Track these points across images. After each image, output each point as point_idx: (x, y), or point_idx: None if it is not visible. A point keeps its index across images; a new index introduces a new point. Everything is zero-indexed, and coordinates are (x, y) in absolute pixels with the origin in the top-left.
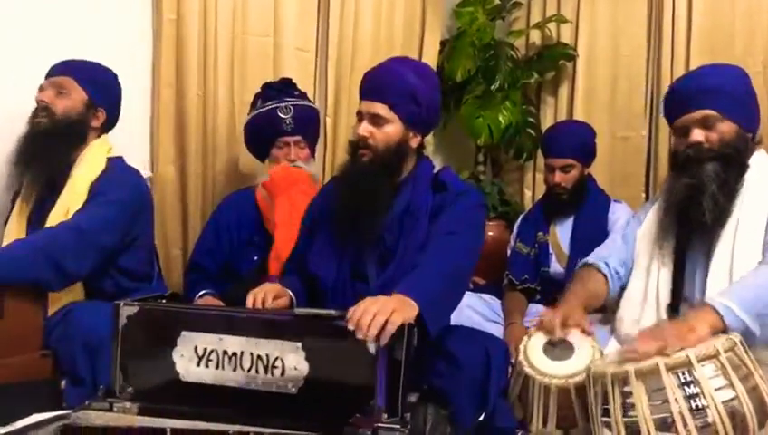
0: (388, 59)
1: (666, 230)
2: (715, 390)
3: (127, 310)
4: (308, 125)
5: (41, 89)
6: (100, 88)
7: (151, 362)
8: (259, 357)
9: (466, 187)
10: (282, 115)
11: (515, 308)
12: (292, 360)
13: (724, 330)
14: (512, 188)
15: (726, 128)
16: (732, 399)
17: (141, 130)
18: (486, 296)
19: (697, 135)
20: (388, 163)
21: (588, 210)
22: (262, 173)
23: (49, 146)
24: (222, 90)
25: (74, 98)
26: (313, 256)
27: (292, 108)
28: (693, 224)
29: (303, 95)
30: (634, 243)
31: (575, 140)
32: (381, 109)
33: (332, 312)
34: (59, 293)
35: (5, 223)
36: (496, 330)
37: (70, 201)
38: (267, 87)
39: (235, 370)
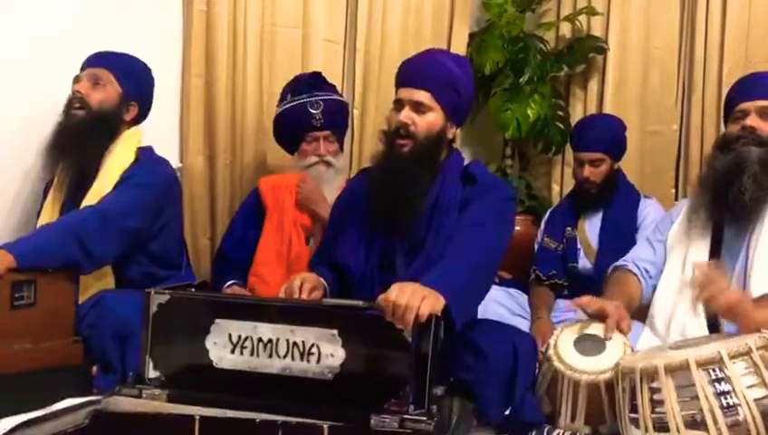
0: (425, 49)
1: (698, 207)
2: (747, 387)
3: (158, 298)
4: (337, 120)
5: (77, 80)
6: (136, 82)
7: (182, 350)
8: (295, 344)
9: (496, 179)
10: (312, 111)
11: (542, 303)
12: (329, 347)
13: None
14: (540, 182)
15: None
16: (764, 397)
17: (171, 120)
18: (513, 291)
19: (754, 120)
20: (428, 153)
21: (617, 205)
22: (290, 165)
23: (83, 137)
24: (251, 81)
25: (109, 91)
26: (342, 247)
27: (322, 103)
28: (731, 203)
29: (333, 89)
30: (663, 245)
31: (605, 134)
32: (424, 96)
33: (360, 303)
34: (90, 280)
35: (38, 214)
36: (522, 324)
37: (102, 191)
38: (297, 81)
39: (270, 356)
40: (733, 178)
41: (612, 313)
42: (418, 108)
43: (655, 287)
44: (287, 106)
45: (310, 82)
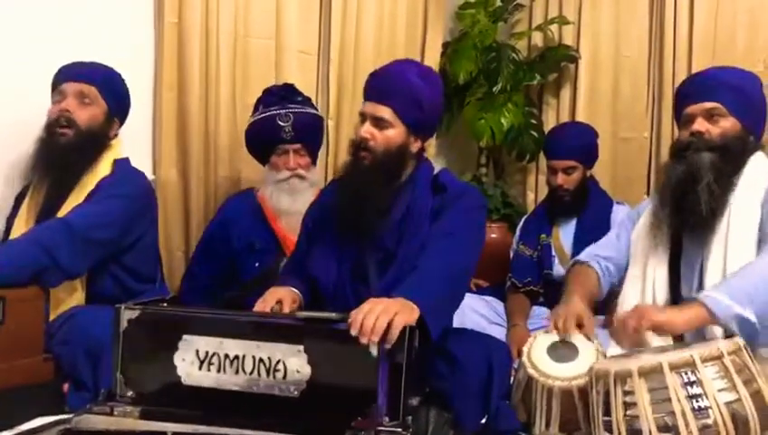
0: (393, 61)
1: (660, 219)
2: (718, 391)
3: (128, 313)
4: (308, 133)
5: (62, 94)
6: (118, 98)
7: (152, 366)
8: (261, 360)
9: (466, 188)
10: (281, 123)
11: (518, 310)
12: (295, 363)
13: (716, 322)
14: (514, 189)
15: (729, 124)
16: (734, 401)
17: (144, 132)
18: (489, 299)
19: (700, 125)
20: (387, 167)
21: (590, 212)
22: (264, 177)
23: (72, 158)
24: (224, 92)
25: (96, 109)
26: (314, 259)
27: (291, 115)
28: (688, 215)
29: (307, 101)
30: (628, 243)
31: (577, 142)
32: (385, 112)
33: (333, 315)
34: (62, 296)
35: (8, 221)
36: (499, 332)
37: (76, 204)
38: (269, 92)
39: (236, 373)
40: (687, 189)
41: (585, 317)
42: (379, 123)
43: (613, 285)
44: (257, 117)
45: (282, 95)
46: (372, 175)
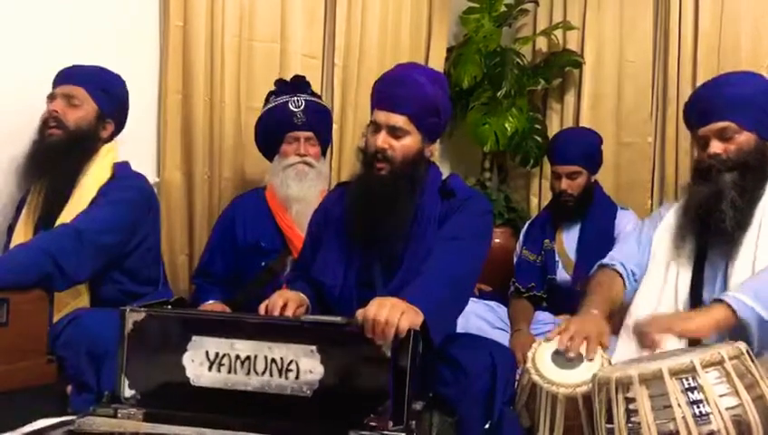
0: (402, 65)
1: (684, 234)
2: (719, 396)
3: (133, 316)
4: (320, 122)
5: (52, 98)
6: (111, 98)
7: (159, 368)
8: (273, 360)
9: (473, 193)
10: (293, 108)
11: (522, 315)
12: (307, 363)
13: (738, 322)
14: (518, 194)
15: (744, 139)
16: (736, 406)
17: (148, 135)
18: (493, 304)
19: (716, 147)
20: (406, 175)
21: (594, 217)
22: (270, 172)
23: (59, 158)
24: (229, 96)
25: (86, 109)
26: (320, 264)
27: (303, 102)
28: (713, 231)
29: (316, 96)
30: (649, 246)
31: (581, 147)
32: (401, 120)
33: (339, 319)
34: (65, 299)
35: (9, 229)
36: (502, 337)
37: (78, 209)
38: (280, 83)
39: (248, 374)
40: (712, 207)
41: (593, 337)
42: (395, 132)
43: (635, 290)
44: (269, 107)
45: (293, 84)
46: (391, 185)
